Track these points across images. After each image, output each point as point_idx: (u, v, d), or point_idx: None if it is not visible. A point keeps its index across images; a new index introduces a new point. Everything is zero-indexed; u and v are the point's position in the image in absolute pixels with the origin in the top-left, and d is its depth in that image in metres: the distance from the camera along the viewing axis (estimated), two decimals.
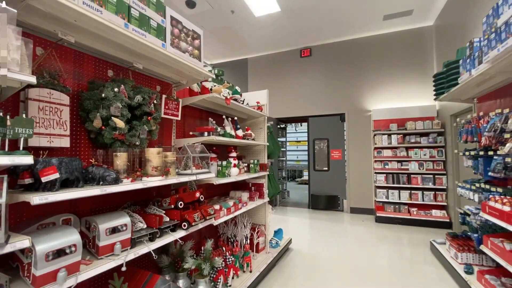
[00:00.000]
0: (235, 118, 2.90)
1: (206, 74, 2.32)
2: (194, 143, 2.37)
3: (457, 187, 3.57)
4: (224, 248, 2.64)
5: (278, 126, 8.15)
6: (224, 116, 2.71)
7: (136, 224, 1.66)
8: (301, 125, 13.11)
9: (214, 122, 2.74)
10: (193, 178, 2.02)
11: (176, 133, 2.61)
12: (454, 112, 4.84)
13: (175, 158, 1.98)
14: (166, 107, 2.27)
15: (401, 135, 5.67)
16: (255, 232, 3.25)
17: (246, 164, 3.38)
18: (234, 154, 2.86)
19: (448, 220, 5.05)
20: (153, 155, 1.73)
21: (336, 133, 6.81)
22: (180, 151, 2.20)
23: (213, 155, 2.81)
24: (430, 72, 5.86)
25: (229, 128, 2.67)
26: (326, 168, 6.86)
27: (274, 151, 3.85)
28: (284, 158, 8.83)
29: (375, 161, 5.90)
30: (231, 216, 2.56)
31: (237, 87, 2.78)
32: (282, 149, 8.58)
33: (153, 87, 2.33)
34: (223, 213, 2.45)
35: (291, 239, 4.08)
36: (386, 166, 5.72)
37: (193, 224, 1.94)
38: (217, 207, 2.38)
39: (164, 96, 2.24)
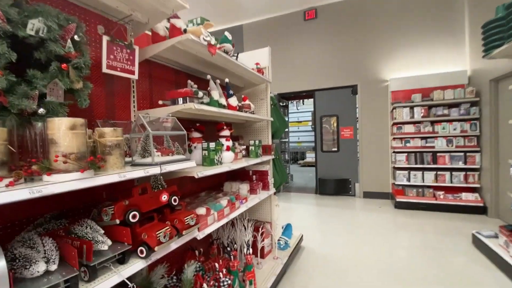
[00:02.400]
0: (226, 80, 2.04)
1: (177, 3, 1.43)
2: (163, 117, 1.52)
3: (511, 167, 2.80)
4: (217, 265, 1.87)
5: (280, 104, 7.25)
6: (209, 77, 1.85)
7: (33, 266, 0.85)
8: (303, 103, 12.17)
9: (195, 86, 1.87)
10: (155, 170, 1.20)
11: (138, 103, 1.75)
12: (495, 76, 3.96)
13: (120, 139, 1.15)
14: (111, 56, 1.40)
15: (426, 107, 4.82)
16: (259, 234, 2.48)
17: (245, 147, 2.56)
18: (226, 132, 2.02)
19: (482, 205, 4.34)
20: (60, 131, 0.89)
21: (347, 108, 5.94)
22: (134, 127, 1.36)
23: (197, 135, 1.97)
24: (459, 31, 4.90)
25: (216, 94, 1.81)
26: (335, 149, 6.06)
27: (280, 128, 3.01)
28: (287, 140, 8.02)
29: (394, 138, 5.09)
30: (224, 221, 1.77)
31: (227, 33, 1.89)
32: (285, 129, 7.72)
33: (90, 27, 1.45)
34: (212, 219, 1.66)
35: (302, 235, 3.35)
36: (408, 144, 4.92)
37: (156, 248, 1.14)
38: (201, 211, 1.58)
39: (106, 38, 1.37)
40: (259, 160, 2.38)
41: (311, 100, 6.85)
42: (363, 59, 5.67)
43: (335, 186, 5.97)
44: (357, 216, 4.56)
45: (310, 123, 12.25)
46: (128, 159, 1.33)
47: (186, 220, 1.35)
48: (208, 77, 1.84)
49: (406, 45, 5.34)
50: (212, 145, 1.79)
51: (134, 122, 1.65)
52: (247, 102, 2.32)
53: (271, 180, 2.67)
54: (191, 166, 1.42)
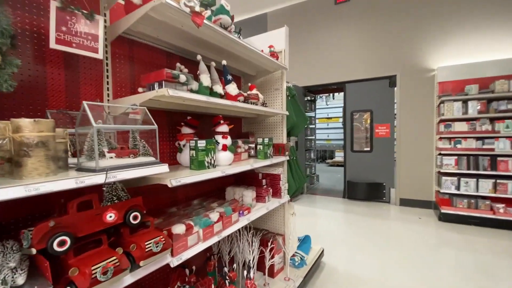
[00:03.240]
0: (224, 63, 1.64)
1: None
2: (130, 106, 1.18)
3: None
4: None
5: (306, 99, 6.70)
6: (199, 57, 1.47)
7: None
8: (333, 98, 11.37)
9: (186, 70, 1.51)
10: (96, 180, 0.86)
11: (115, 92, 1.44)
12: None
13: (46, 134, 0.82)
14: (63, 28, 1.09)
15: (484, 101, 3.96)
16: (268, 249, 2.08)
17: (254, 146, 2.16)
18: (224, 128, 1.64)
19: None
20: None
21: (383, 102, 5.21)
22: (79, 120, 1.03)
23: (187, 131, 1.62)
24: None
25: (207, 79, 1.42)
26: (368, 149, 5.37)
27: (298, 124, 2.55)
28: (313, 137, 7.43)
29: (441, 138, 4.30)
30: (214, 240, 1.39)
31: (224, 2, 1.49)
32: (311, 125, 7.17)
33: None
34: (194, 239, 1.29)
35: (322, 250, 2.87)
36: (458, 146, 4.11)
37: None
38: (179, 229, 1.22)
39: (54, 4, 1.06)
40: (268, 162, 1.96)
41: (342, 94, 6.20)
42: (404, 45, 4.88)
43: (366, 191, 5.31)
44: (391, 228, 3.92)
45: (340, 120, 11.43)
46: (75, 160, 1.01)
47: (147, 246, 1.00)
48: (198, 57, 1.46)
49: (459, 27, 4.46)
50: (202, 143, 1.41)
51: (108, 113, 1.33)
52: (254, 91, 1.91)
53: (284, 186, 2.24)
54: (158, 171, 1.06)
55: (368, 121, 5.39)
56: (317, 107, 12.09)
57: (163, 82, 1.20)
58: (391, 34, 4.98)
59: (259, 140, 1.99)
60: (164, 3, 1.12)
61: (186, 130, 1.59)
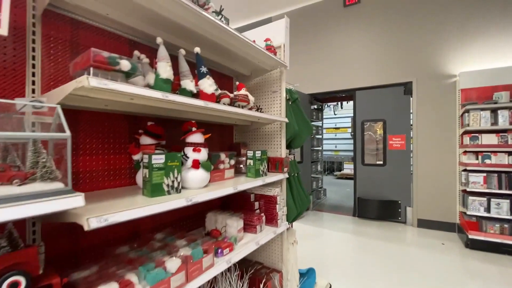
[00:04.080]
0: (196, 50, 1.24)
1: None
2: (37, 103, 0.79)
3: None
4: None
5: (313, 107, 6.29)
6: (159, 40, 1.07)
7: None
8: (341, 107, 10.91)
9: (146, 60, 1.12)
10: None
11: (44, 85, 1.06)
12: None
13: None
14: None
15: None
16: None
17: (244, 159, 1.74)
18: (196, 137, 1.22)
19: None
20: None
21: (397, 111, 4.74)
22: None
23: (147, 141, 1.21)
24: None
25: (165, 69, 1.02)
26: (381, 162, 4.87)
27: (301, 134, 2.12)
28: (320, 148, 6.96)
29: (465, 152, 3.78)
30: None
31: None
32: (318, 136, 6.72)
33: None
34: None
35: (330, 286, 2.37)
36: (487, 161, 3.58)
37: None
38: None
39: None
40: (260, 182, 1.53)
41: (351, 103, 5.75)
42: (421, 48, 4.45)
43: (379, 209, 4.76)
44: (410, 255, 3.38)
45: (349, 130, 10.93)
46: None
47: None
48: (158, 40, 1.06)
49: (483, 28, 4.01)
50: (159, 159, 1.00)
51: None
52: (242, 92, 1.50)
53: (282, 210, 1.79)
54: (59, 207, 0.65)
55: (381, 132, 4.91)
56: (324, 116, 11.66)
57: (91, 69, 0.80)
58: (406, 36, 4.56)
59: (249, 154, 1.57)
60: None
61: (145, 140, 1.18)
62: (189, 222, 1.68)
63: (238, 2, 5.45)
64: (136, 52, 1.16)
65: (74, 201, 0.69)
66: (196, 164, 1.15)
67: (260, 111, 1.90)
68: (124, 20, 1.19)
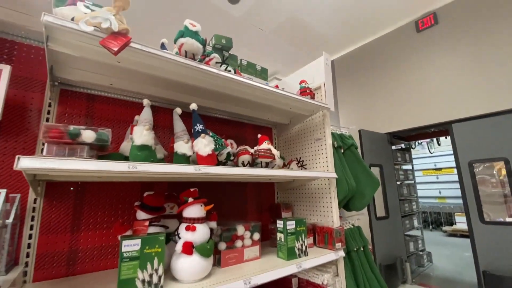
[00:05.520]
0: (192, 107, 1.02)
1: None
2: None
3: None
4: None
5: (395, 147, 5.29)
6: (146, 102, 0.93)
7: None
8: (438, 144, 8.96)
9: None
10: None
11: None
12: None
13: None
14: None
15: None
16: None
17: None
18: (193, 210, 0.95)
19: None
20: None
21: None
22: None
23: (143, 216, 1.03)
24: None
25: (140, 135, 0.82)
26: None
27: (362, 190, 1.59)
28: (415, 195, 5.56)
29: None
30: None
31: (188, 23, 0.99)
32: (408, 181, 5.46)
33: None
34: None
35: None
36: None
37: None
38: None
39: None
40: (294, 269, 1.10)
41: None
42: None
43: None
44: None
45: (455, 171, 8.65)
46: None
47: None
48: (145, 102, 0.94)
49: None
50: (131, 245, 0.78)
51: None
52: (264, 146, 1.22)
53: None
54: None
55: (504, 174, 3.52)
56: (416, 156, 9.77)
57: (45, 145, 0.70)
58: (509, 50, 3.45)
59: (279, 225, 1.20)
60: (47, 23, 0.71)
61: (139, 215, 1.01)
62: None
63: (294, 51, 5.54)
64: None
65: None
66: (187, 249, 0.88)
67: (302, 165, 1.54)
68: (128, 86, 1.17)
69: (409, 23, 4.65)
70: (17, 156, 0.62)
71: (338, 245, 1.32)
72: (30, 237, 0.99)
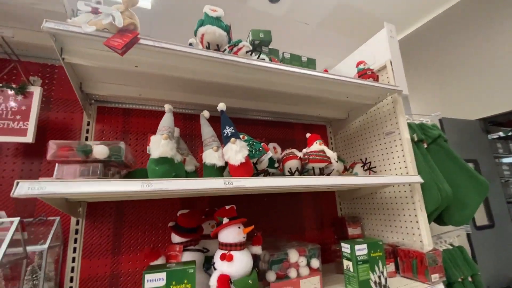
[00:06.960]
0: (221, 107, 0.84)
1: None
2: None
3: None
4: None
5: (493, 136, 4.19)
6: (167, 108, 0.79)
7: None
8: None
9: (175, 133, 0.90)
10: None
11: None
12: None
13: None
14: None
15: None
16: None
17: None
18: (229, 234, 0.75)
19: None
20: None
21: None
22: None
23: (177, 240, 0.89)
24: None
25: (157, 146, 0.67)
26: None
27: (462, 198, 1.16)
28: None
29: None
30: None
31: (208, 9, 0.83)
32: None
33: None
34: None
35: None
36: None
37: None
38: None
39: None
40: None
41: None
42: None
43: None
44: None
45: None
46: None
47: None
48: (167, 108, 0.81)
49: None
50: (154, 280, 0.64)
51: None
52: (316, 147, 0.96)
53: None
54: None
55: None
56: None
57: (56, 165, 0.62)
58: None
59: (345, 250, 0.91)
60: (49, 29, 0.63)
61: (174, 238, 0.88)
62: None
63: (344, 41, 5.00)
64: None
65: None
66: (223, 286, 0.68)
67: (369, 168, 1.21)
68: (159, 95, 1.08)
69: None
70: (16, 181, 0.53)
71: (435, 276, 0.94)
72: (73, 260, 0.96)
